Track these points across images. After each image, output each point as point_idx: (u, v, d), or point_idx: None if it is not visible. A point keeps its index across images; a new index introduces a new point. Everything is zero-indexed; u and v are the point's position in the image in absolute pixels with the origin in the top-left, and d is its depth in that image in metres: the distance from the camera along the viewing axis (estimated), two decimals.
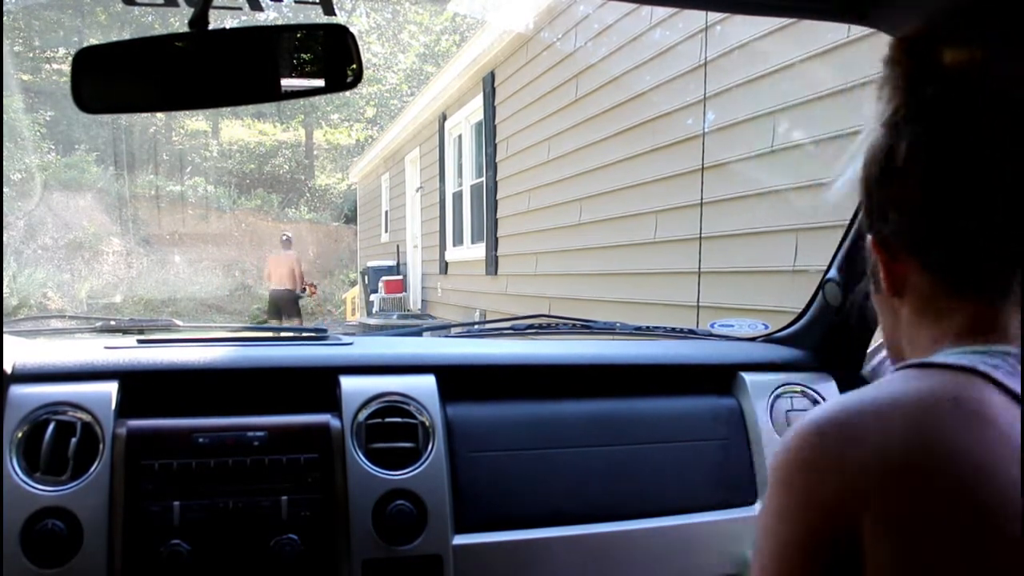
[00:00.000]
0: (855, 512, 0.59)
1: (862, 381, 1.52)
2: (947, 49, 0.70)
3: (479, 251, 8.69)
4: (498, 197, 8.16)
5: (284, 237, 11.61)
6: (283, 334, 1.75)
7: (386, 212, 14.69)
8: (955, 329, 0.69)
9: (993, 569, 0.55)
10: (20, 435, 1.18)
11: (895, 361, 0.79)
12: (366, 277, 13.10)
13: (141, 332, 1.58)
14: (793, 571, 0.62)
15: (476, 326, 1.97)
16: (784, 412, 1.48)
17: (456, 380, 1.39)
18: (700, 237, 4.29)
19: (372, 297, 12.53)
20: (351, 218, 19.10)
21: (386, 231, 14.63)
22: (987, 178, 0.67)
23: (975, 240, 0.68)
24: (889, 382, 0.66)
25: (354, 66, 1.01)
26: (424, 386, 1.34)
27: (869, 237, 0.74)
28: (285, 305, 10.80)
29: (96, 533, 1.14)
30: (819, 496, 0.61)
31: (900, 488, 0.58)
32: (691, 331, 1.80)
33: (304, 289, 11.23)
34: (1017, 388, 0.61)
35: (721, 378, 1.54)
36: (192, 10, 0.94)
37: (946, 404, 0.60)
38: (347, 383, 1.32)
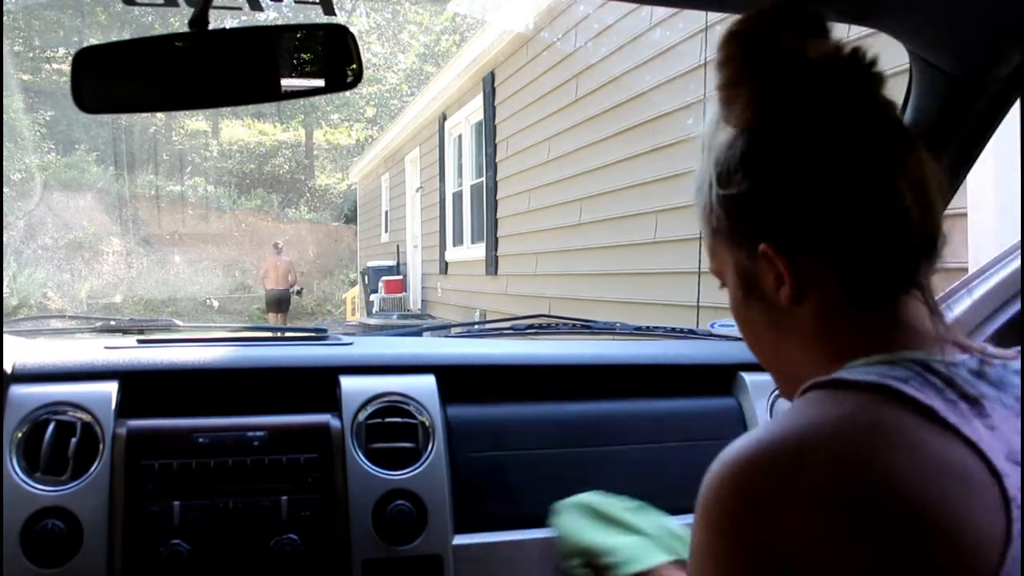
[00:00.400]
0: (797, 548, 0.57)
1: None
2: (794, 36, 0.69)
3: (479, 251, 8.69)
4: (498, 197, 8.16)
5: (277, 245, 13.42)
6: (283, 334, 1.75)
7: (386, 212, 14.69)
8: (858, 336, 0.68)
9: None
10: (20, 435, 1.18)
11: (786, 381, 0.76)
12: (366, 277, 13.10)
13: (141, 332, 1.58)
14: None
15: (476, 326, 1.97)
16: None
17: (456, 380, 1.39)
18: (700, 237, 4.29)
19: (372, 297, 12.53)
20: (351, 218, 19.10)
21: (386, 231, 14.63)
22: (879, 170, 0.67)
23: (879, 237, 0.67)
24: (802, 409, 0.64)
25: (354, 66, 1.01)
26: (424, 386, 1.34)
27: (762, 247, 0.69)
28: (281, 302, 12.67)
29: (96, 533, 1.14)
30: (760, 537, 0.59)
31: (840, 519, 0.57)
32: (691, 331, 1.80)
33: (297, 290, 13.27)
34: (927, 399, 0.60)
35: (721, 378, 1.54)
36: (192, 10, 0.94)
37: (867, 430, 0.59)
38: (347, 383, 1.32)
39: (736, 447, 0.63)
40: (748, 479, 0.61)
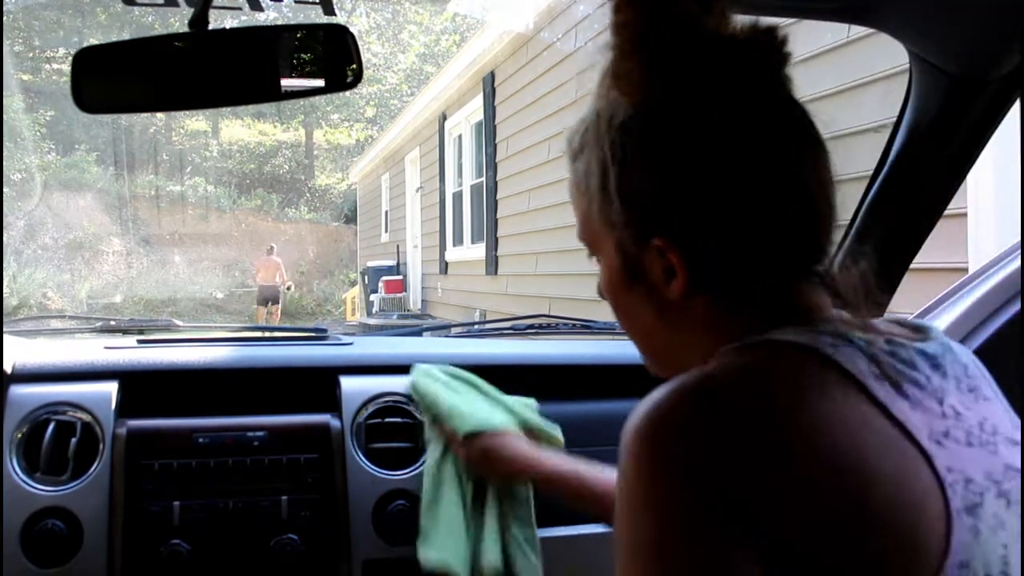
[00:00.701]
0: (734, 483, 0.55)
1: None
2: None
3: (479, 251, 8.69)
4: (498, 197, 8.16)
5: (269, 247, 14.62)
6: (283, 334, 1.75)
7: (386, 212, 14.69)
8: (757, 322, 0.64)
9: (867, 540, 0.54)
10: (20, 435, 1.18)
11: (665, 365, 0.73)
12: (366, 277, 13.11)
13: (141, 332, 1.58)
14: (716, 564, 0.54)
15: (476, 326, 1.97)
16: None
17: None
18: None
19: (372, 297, 12.53)
20: (351, 218, 19.09)
21: (386, 231, 14.63)
22: (786, 156, 0.64)
23: (782, 225, 0.64)
24: (730, 356, 0.62)
25: (354, 66, 1.01)
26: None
27: (656, 241, 0.65)
28: (270, 296, 13.84)
29: (96, 533, 1.14)
30: (702, 473, 0.56)
31: (769, 457, 0.55)
32: None
33: (288, 287, 14.59)
34: (858, 373, 0.59)
35: None
36: (192, 10, 0.94)
37: (794, 380, 0.59)
38: (347, 383, 1.32)
39: (660, 394, 0.60)
40: (682, 415, 0.58)
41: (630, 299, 0.72)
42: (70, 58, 0.99)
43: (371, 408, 1.30)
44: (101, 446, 1.19)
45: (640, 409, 0.60)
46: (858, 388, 0.59)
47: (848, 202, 1.30)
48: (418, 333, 1.82)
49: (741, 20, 0.65)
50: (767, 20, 0.66)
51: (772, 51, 0.66)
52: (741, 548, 0.54)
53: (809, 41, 3.50)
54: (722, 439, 0.56)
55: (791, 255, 0.66)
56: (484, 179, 8.56)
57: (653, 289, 0.68)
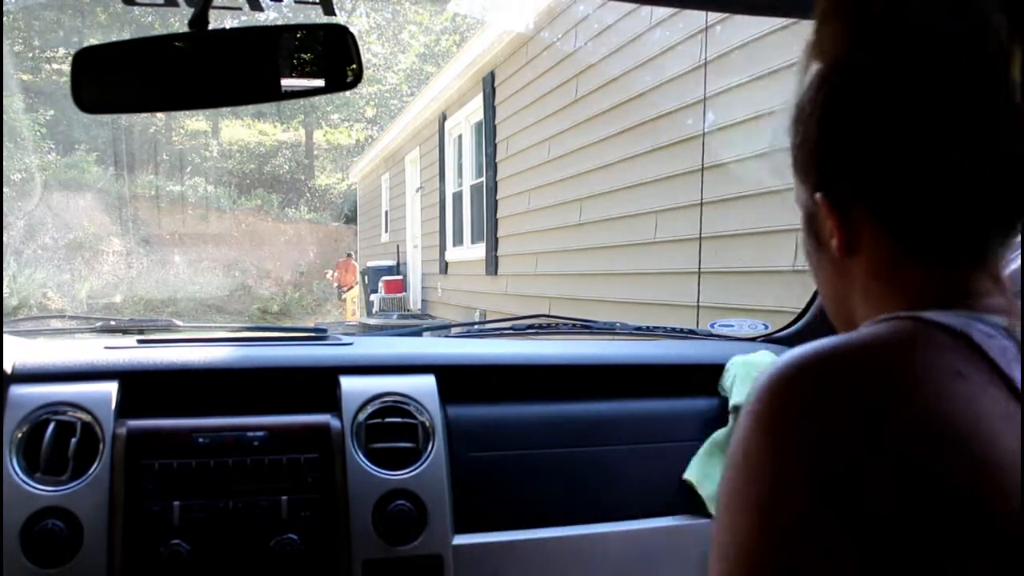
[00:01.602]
0: (838, 457, 0.53)
1: None
2: None
3: (479, 251, 8.69)
4: (498, 197, 8.16)
5: (347, 252, 16.15)
6: (283, 334, 1.75)
7: (386, 212, 14.69)
8: (919, 295, 0.63)
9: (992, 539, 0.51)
10: (20, 435, 1.18)
11: (842, 327, 0.72)
12: (366, 277, 13.11)
13: (141, 332, 1.57)
14: (820, 540, 0.52)
15: (476, 326, 1.97)
16: None
17: (456, 380, 1.39)
18: (700, 237, 4.29)
19: (372, 297, 12.53)
20: (351, 218, 19.09)
21: (386, 231, 14.63)
22: (954, 126, 0.60)
23: (942, 198, 0.61)
24: (871, 328, 0.61)
25: (354, 66, 1.01)
26: (424, 386, 1.34)
27: (817, 196, 0.67)
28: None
29: (96, 533, 1.14)
30: (806, 437, 0.55)
31: (880, 434, 0.53)
32: (691, 331, 1.80)
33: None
34: (1009, 370, 0.56)
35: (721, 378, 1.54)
36: (192, 10, 0.94)
37: (927, 360, 0.56)
38: (347, 383, 1.32)
39: (794, 355, 0.59)
40: (801, 380, 0.57)
41: (817, 258, 0.73)
42: (70, 58, 0.99)
43: (371, 408, 1.30)
44: (101, 446, 1.19)
45: (773, 367, 0.60)
46: (1006, 384, 0.55)
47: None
48: (418, 333, 1.82)
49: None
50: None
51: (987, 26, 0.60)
52: (838, 531, 0.52)
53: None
54: (837, 417, 0.55)
55: (955, 236, 0.64)
56: (484, 179, 8.56)
57: (824, 245, 0.70)
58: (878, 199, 0.64)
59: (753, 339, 1.73)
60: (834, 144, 0.66)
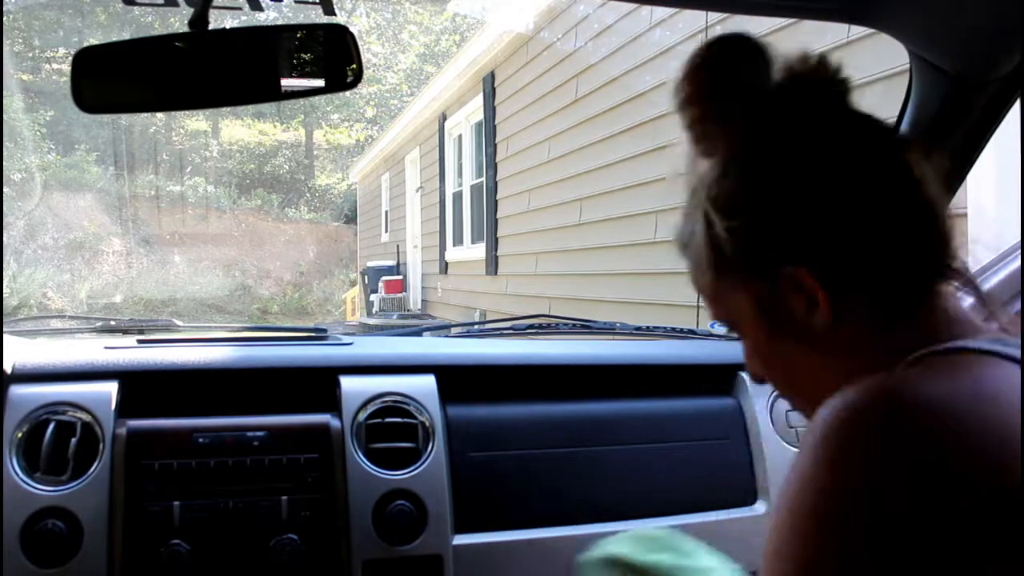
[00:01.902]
0: (899, 503, 0.51)
1: None
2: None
3: (479, 251, 8.69)
4: (498, 197, 8.16)
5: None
6: (283, 334, 1.75)
7: (386, 212, 14.69)
8: (911, 337, 0.64)
9: None
10: (20, 435, 1.18)
11: (808, 405, 0.69)
12: (366, 277, 13.11)
13: (141, 332, 1.58)
14: None
15: (476, 326, 1.97)
16: (784, 412, 1.48)
17: (456, 380, 1.39)
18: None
19: (372, 297, 12.53)
20: (351, 218, 19.09)
21: (386, 231, 14.63)
22: (887, 173, 0.65)
23: (904, 238, 0.65)
24: (948, 372, 0.59)
25: (354, 66, 1.01)
26: (424, 386, 1.34)
27: (791, 271, 0.65)
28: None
29: (96, 533, 1.14)
30: (866, 478, 0.52)
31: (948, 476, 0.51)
32: (691, 331, 1.80)
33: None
34: None
35: (721, 378, 1.54)
36: (192, 10, 0.94)
37: (991, 394, 0.55)
38: (347, 383, 1.32)
39: (854, 396, 0.57)
40: (867, 422, 0.55)
41: (781, 347, 0.71)
42: (70, 58, 0.99)
43: (371, 408, 1.30)
44: (101, 446, 1.19)
45: (833, 407, 0.58)
46: None
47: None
48: (418, 333, 1.82)
49: (794, 57, 0.69)
50: (817, 52, 0.69)
51: (833, 79, 0.69)
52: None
53: (809, 42, 3.50)
54: (917, 456, 0.52)
55: (918, 265, 0.66)
56: (484, 179, 8.56)
57: (796, 327, 0.67)
58: (847, 253, 0.65)
59: None
60: (786, 219, 0.66)
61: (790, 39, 3.64)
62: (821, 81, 0.68)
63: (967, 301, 0.68)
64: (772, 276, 0.67)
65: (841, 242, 0.65)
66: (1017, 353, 0.58)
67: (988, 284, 1.32)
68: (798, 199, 0.65)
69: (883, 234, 0.65)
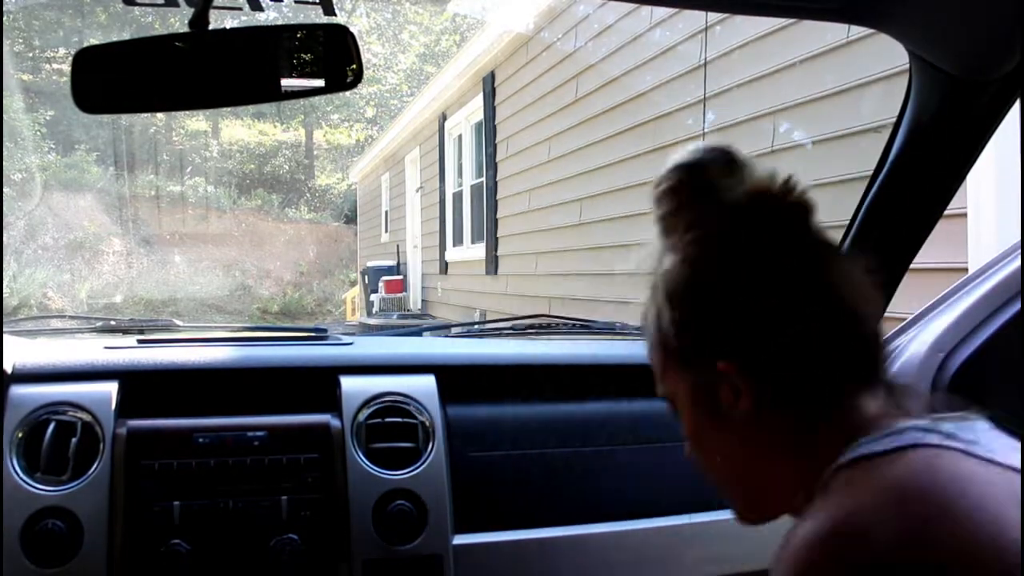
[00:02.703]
0: None
1: None
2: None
3: (479, 251, 8.69)
4: (498, 197, 8.16)
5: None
6: (283, 334, 1.75)
7: (386, 212, 14.68)
8: (832, 429, 0.69)
9: None
10: (20, 435, 1.18)
11: (753, 503, 0.78)
12: (366, 277, 13.10)
13: (141, 332, 1.58)
14: None
15: (476, 326, 1.97)
16: None
17: (456, 380, 1.39)
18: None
19: (372, 297, 12.53)
20: (351, 218, 19.09)
21: (386, 231, 14.62)
22: (815, 283, 0.71)
23: (825, 339, 0.70)
24: (853, 486, 0.64)
25: (354, 66, 1.01)
26: (424, 386, 1.34)
27: (720, 365, 0.72)
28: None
29: (96, 533, 1.14)
30: None
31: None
32: None
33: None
34: (972, 448, 0.62)
35: None
36: (192, 10, 0.94)
37: (943, 482, 0.60)
38: (347, 383, 1.32)
39: (809, 530, 0.62)
40: (839, 554, 0.59)
41: (714, 434, 0.76)
42: (70, 58, 0.99)
43: (371, 408, 1.30)
44: (101, 446, 1.19)
45: (793, 545, 0.62)
46: (987, 459, 0.61)
47: (850, 202, 1.31)
48: (418, 333, 1.82)
49: (763, 176, 0.75)
50: (783, 174, 0.75)
51: (796, 202, 0.75)
52: None
53: (809, 42, 3.50)
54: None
55: (841, 361, 0.71)
56: (484, 179, 8.56)
57: (725, 414, 0.73)
58: (771, 349, 0.71)
59: None
60: (719, 316, 0.73)
61: (790, 39, 3.64)
62: (779, 204, 0.74)
63: (888, 398, 0.73)
64: (707, 366, 0.73)
65: (768, 344, 0.71)
66: (954, 441, 0.63)
67: (987, 284, 1.32)
68: (734, 301, 0.72)
69: (804, 340, 0.70)
